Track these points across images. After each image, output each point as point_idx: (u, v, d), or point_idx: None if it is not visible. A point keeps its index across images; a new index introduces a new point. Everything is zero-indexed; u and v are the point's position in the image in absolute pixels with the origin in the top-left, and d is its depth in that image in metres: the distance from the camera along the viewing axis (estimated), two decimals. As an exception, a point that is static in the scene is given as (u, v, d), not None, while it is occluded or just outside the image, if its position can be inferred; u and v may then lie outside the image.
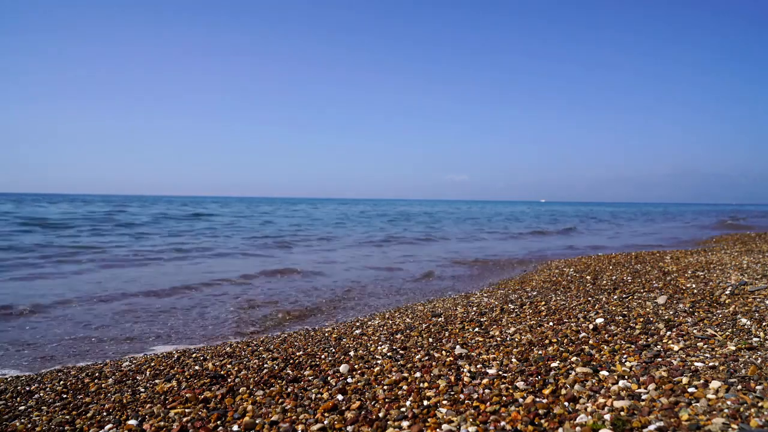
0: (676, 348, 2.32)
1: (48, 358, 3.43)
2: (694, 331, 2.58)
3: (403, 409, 1.91)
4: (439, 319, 3.57)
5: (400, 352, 2.75)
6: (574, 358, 2.33)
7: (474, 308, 3.90)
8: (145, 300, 5.30)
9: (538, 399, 1.89)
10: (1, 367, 3.26)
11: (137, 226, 17.54)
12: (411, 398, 2.02)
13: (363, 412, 1.92)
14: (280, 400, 2.14)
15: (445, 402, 1.94)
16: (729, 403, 1.63)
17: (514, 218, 29.79)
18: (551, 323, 3.09)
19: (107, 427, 2.01)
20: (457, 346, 2.73)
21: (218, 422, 1.96)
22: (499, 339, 2.85)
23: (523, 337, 2.82)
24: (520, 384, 2.05)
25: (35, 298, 5.22)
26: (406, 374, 2.32)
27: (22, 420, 2.16)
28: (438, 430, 1.72)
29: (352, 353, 2.79)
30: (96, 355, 3.48)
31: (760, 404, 1.60)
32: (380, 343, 3.01)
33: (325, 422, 1.86)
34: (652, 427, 1.54)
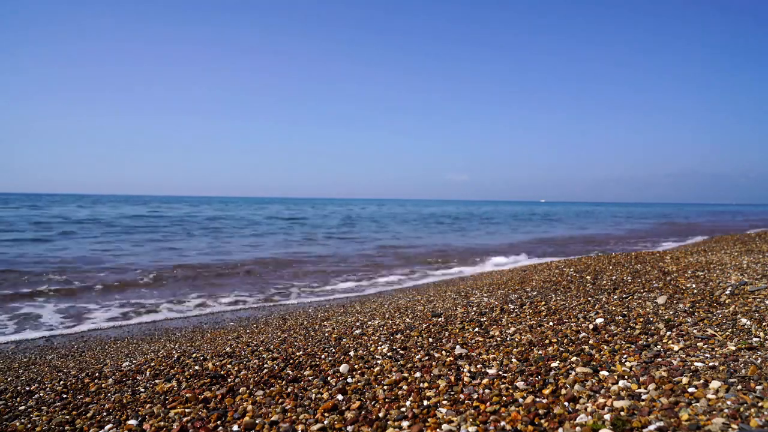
0: (676, 348, 2.32)
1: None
2: (694, 331, 2.58)
3: (403, 409, 1.91)
4: (439, 319, 3.57)
5: (400, 352, 2.75)
6: (574, 358, 2.33)
7: (474, 308, 3.90)
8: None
9: (538, 399, 1.89)
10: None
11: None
12: (411, 398, 2.02)
13: (363, 412, 1.92)
14: (280, 400, 2.14)
15: (445, 402, 1.94)
16: (729, 403, 1.63)
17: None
18: (551, 323, 3.09)
19: (107, 427, 2.01)
20: (457, 346, 2.73)
21: (218, 422, 1.96)
22: (499, 339, 2.85)
23: (523, 337, 2.82)
24: (520, 384, 2.05)
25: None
26: (406, 374, 2.32)
27: (22, 420, 2.16)
28: (438, 430, 1.72)
29: (352, 353, 2.78)
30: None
31: (760, 404, 1.60)
32: (380, 343, 3.01)
33: (325, 422, 1.86)
34: (652, 427, 1.54)
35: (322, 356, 2.79)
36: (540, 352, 2.49)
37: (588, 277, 4.98)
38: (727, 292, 3.44)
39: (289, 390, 2.26)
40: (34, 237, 14.28)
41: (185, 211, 32.44)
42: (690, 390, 1.78)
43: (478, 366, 2.36)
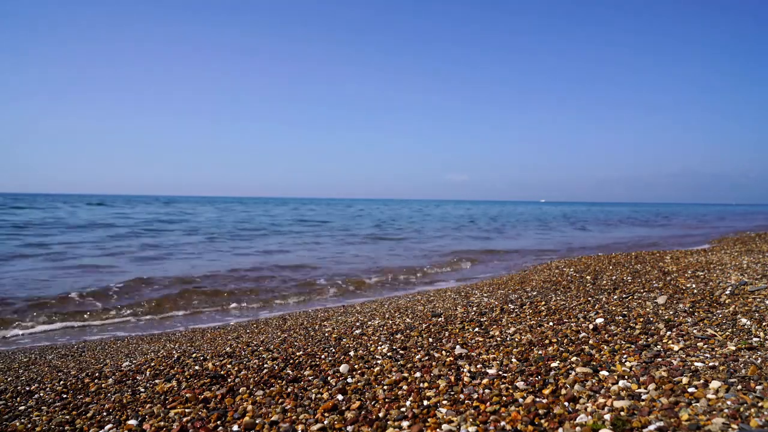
0: (676, 348, 2.32)
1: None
2: (694, 331, 2.58)
3: (403, 409, 1.91)
4: (439, 319, 3.57)
5: (400, 352, 2.75)
6: (574, 358, 2.33)
7: (474, 308, 3.90)
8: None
9: (538, 399, 1.89)
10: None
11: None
12: (411, 398, 2.02)
13: (363, 412, 1.92)
14: (280, 400, 2.14)
15: (445, 402, 1.94)
16: (729, 403, 1.63)
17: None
18: (551, 323, 3.09)
19: (107, 427, 2.01)
20: (457, 346, 2.73)
21: (218, 422, 1.96)
22: (499, 339, 2.85)
23: (523, 337, 2.82)
24: (520, 384, 2.05)
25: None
26: (406, 374, 2.32)
27: (22, 420, 2.16)
28: (438, 430, 1.72)
29: (352, 353, 2.78)
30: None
31: (760, 404, 1.60)
32: (380, 343, 3.01)
33: (325, 422, 1.86)
34: (652, 427, 1.54)
35: (322, 356, 2.79)
36: (540, 352, 2.49)
37: (588, 277, 4.98)
38: (727, 292, 3.44)
39: (289, 390, 2.26)
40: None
41: (245, 214, 30.95)
42: (690, 390, 1.78)
43: (478, 366, 2.36)
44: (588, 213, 44.75)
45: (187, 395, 2.26)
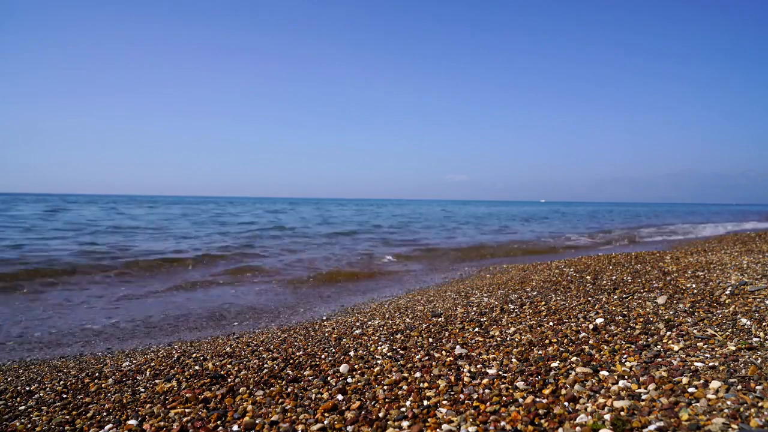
0: (676, 348, 2.32)
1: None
2: (694, 331, 2.58)
3: (403, 409, 1.91)
4: (439, 319, 3.57)
5: (400, 352, 2.75)
6: (574, 358, 2.33)
7: (474, 308, 3.90)
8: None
9: (538, 399, 1.89)
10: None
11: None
12: (411, 398, 2.02)
13: (363, 412, 1.92)
14: (280, 400, 2.14)
15: (445, 402, 1.95)
16: (729, 403, 1.63)
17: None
18: (551, 323, 3.09)
19: (107, 427, 2.02)
20: (457, 346, 2.73)
21: (218, 422, 1.96)
22: (499, 339, 2.85)
23: (523, 337, 2.82)
24: (520, 384, 2.05)
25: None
26: (406, 374, 2.32)
27: (22, 420, 2.16)
28: (438, 430, 1.72)
29: (352, 353, 2.79)
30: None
31: (760, 404, 1.59)
32: (380, 343, 3.01)
33: (325, 422, 1.86)
34: (652, 427, 1.54)
35: (322, 356, 2.79)
36: (540, 352, 2.49)
37: (588, 277, 4.98)
38: (727, 292, 3.44)
39: (289, 390, 2.26)
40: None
41: (304, 214, 30.49)
42: (690, 390, 1.78)
43: (478, 366, 2.36)
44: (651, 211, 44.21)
45: (187, 395, 2.26)
